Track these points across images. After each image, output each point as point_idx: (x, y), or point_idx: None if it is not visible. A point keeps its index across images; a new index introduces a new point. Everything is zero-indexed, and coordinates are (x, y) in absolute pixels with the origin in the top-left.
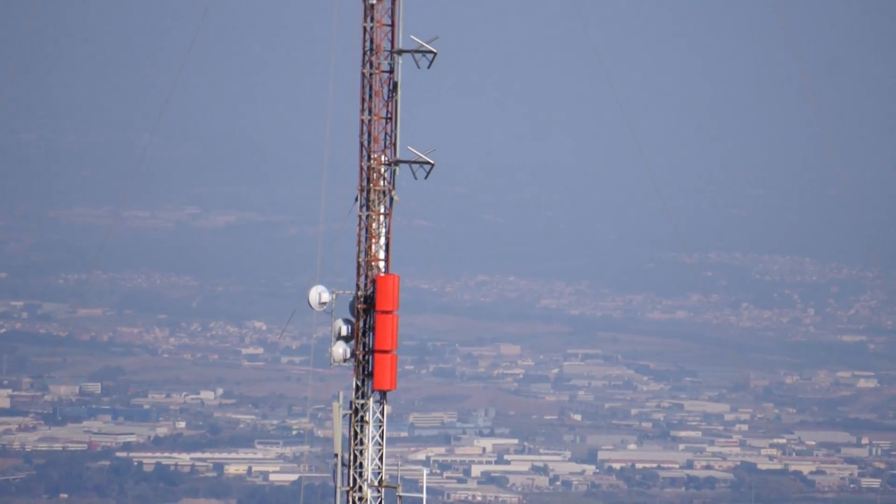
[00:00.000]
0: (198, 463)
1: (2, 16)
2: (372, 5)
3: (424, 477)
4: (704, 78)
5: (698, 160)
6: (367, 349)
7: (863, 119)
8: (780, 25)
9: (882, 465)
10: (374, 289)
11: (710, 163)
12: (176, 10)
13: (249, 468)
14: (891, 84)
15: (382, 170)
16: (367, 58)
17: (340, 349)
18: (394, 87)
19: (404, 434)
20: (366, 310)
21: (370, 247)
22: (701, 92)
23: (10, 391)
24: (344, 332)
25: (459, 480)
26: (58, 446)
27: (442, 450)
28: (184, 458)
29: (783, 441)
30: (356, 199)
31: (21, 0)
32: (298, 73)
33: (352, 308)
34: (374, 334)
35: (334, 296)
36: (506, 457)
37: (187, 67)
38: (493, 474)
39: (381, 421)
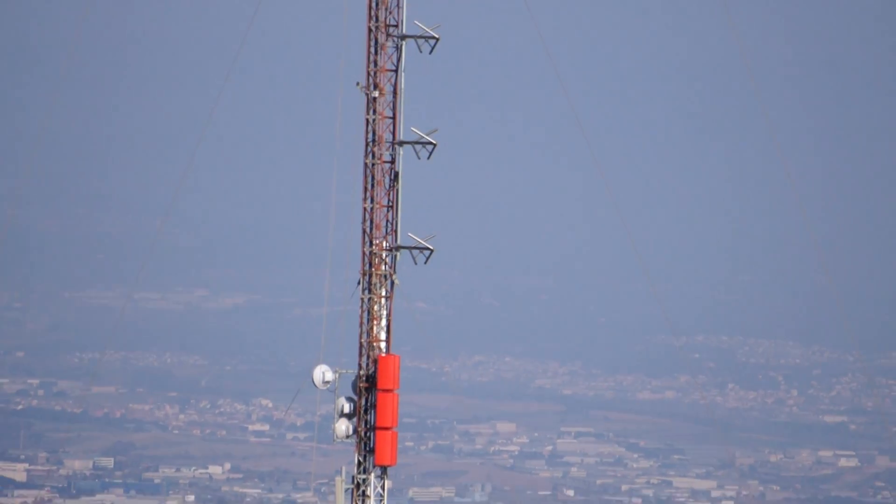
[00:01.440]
0: None
1: (16, 108)
2: (374, 98)
3: None
4: (697, 165)
5: (686, 245)
6: (368, 426)
7: (848, 209)
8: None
9: None
10: (376, 368)
11: (698, 248)
12: (183, 104)
13: None
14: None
15: (384, 255)
16: (369, 148)
17: (343, 426)
18: (395, 177)
19: None
20: (367, 388)
21: (372, 328)
22: (690, 182)
23: (26, 465)
24: (347, 409)
25: None
26: None
27: None
28: None
29: None
30: (359, 283)
31: (28, 91)
32: (303, 163)
33: (354, 386)
34: (375, 412)
35: (337, 375)
36: None
37: (196, 158)
38: None
39: (381, 495)
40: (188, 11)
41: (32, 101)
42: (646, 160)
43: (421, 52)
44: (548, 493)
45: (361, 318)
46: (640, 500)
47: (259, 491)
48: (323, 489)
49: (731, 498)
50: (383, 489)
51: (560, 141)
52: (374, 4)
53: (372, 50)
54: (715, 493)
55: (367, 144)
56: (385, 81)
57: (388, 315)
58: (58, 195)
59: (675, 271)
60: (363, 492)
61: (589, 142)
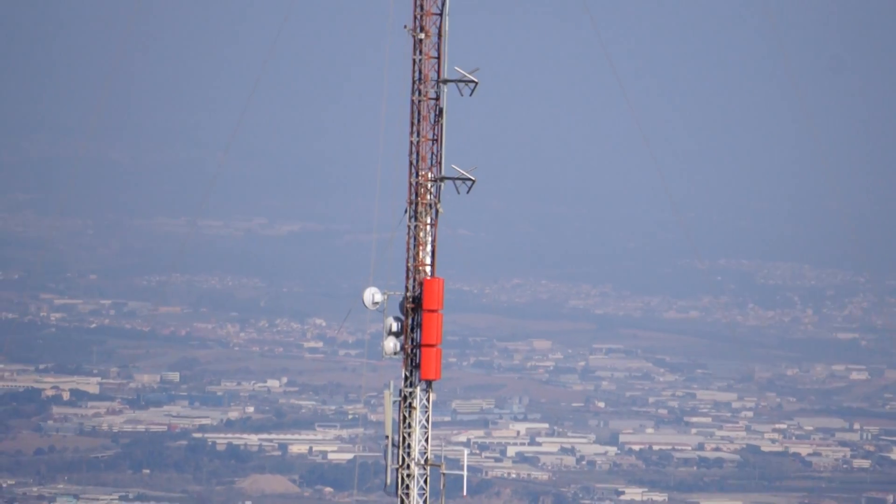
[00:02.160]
0: (264, 443)
1: (91, 48)
2: (420, 40)
3: (465, 456)
4: (719, 103)
5: (711, 177)
6: (414, 343)
7: (855, 138)
8: (777, 36)
9: (872, 448)
10: (422, 290)
11: (721, 180)
12: (243, 47)
13: (310, 448)
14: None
15: (429, 185)
16: (415, 86)
17: (391, 343)
18: (440, 113)
19: (447, 419)
20: (414, 309)
21: (418, 253)
22: (713, 119)
23: (99, 379)
24: (394, 328)
25: (496, 460)
26: (141, 428)
27: (481, 432)
28: (252, 439)
29: (784, 426)
30: (405, 211)
31: (104, 32)
32: (354, 101)
33: (401, 307)
34: (421, 330)
35: (386, 296)
36: (537, 439)
37: (255, 96)
38: (526, 454)
39: (426, 407)
40: None
41: (107, 39)
42: (673, 98)
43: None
44: (581, 405)
45: (408, 244)
46: (665, 412)
47: (313, 403)
48: (372, 401)
49: (750, 409)
50: (428, 402)
51: (595, 81)
52: None
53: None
54: (735, 405)
55: (413, 83)
56: (431, 24)
57: (433, 241)
58: (125, 129)
59: (698, 201)
60: (409, 404)
61: (620, 81)
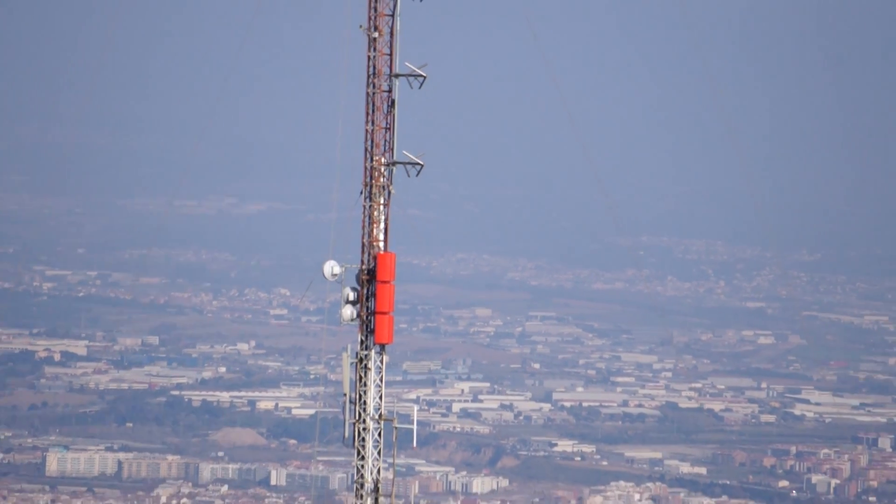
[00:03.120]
0: (235, 400)
1: (78, 41)
2: (374, 39)
3: (415, 412)
4: (644, 91)
5: (636, 162)
6: (369, 311)
7: (765, 127)
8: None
9: (777, 405)
10: (375, 264)
11: (644, 165)
12: (213, 40)
13: (276, 404)
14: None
15: (383, 169)
16: (370, 80)
17: (348, 311)
18: (392, 104)
19: (399, 378)
20: (368, 280)
21: (372, 230)
22: (639, 105)
23: (86, 342)
24: (351, 297)
25: (443, 415)
26: (124, 386)
27: (429, 391)
28: (224, 396)
29: (699, 385)
30: (361, 193)
31: (94, 29)
32: (316, 92)
33: (357, 278)
34: (375, 299)
35: (343, 269)
36: (479, 397)
37: (227, 85)
38: (469, 410)
39: (380, 368)
40: None
41: (90, 39)
42: (602, 86)
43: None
44: (518, 366)
45: (364, 222)
46: (594, 372)
47: (279, 364)
48: (332, 363)
49: (669, 370)
50: (382, 363)
51: (532, 72)
52: None
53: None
54: (656, 366)
55: (368, 77)
56: (384, 24)
57: (386, 220)
58: (109, 117)
59: (624, 183)
60: (365, 365)
61: (554, 74)
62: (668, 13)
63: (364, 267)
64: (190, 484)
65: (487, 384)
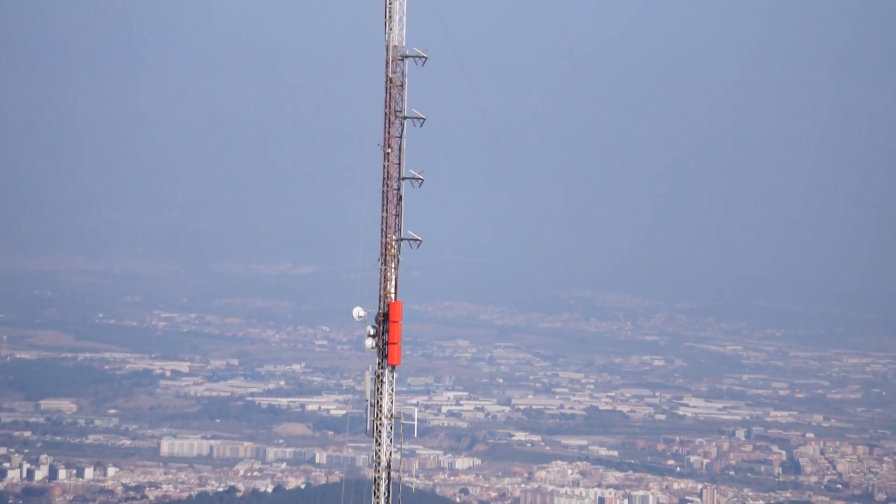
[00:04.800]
0: (291, 403)
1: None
2: (388, 153)
3: (415, 412)
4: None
5: (568, 238)
6: (384, 342)
7: (653, 204)
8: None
9: (666, 408)
10: (389, 309)
11: (574, 240)
12: (269, 144)
13: (319, 406)
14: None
15: (393, 244)
16: (385, 181)
17: (370, 342)
18: (399, 199)
19: (404, 389)
20: (383, 320)
21: (386, 286)
22: (580, 193)
23: (188, 363)
24: (371, 332)
25: (435, 414)
26: (214, 394)
27: (425, 397)
28: (283, 401)
29: (613, 394)
30: (378, 259)
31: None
32: (347, 191)
33: (376, 319)
34: (388, 334)
35: (366, 312)
36: (460, 402)
37: (288, 181)
38: (453, 411)
39: (391, 381)
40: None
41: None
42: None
43: (416, 127)
44: (487, 380)
45: (380, 280)
46: (540, 385)
47: (321, 378)
48: (358, 378)
49: (592, 383)
50: (392, 378)
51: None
52: (388, 98)
53: (387, 124)
54: (583, 381)
55: (383, 179)
56: (394, 143)
57: (396, 278)
58: (204, 204)
59: (560, 252)
60: (381, 379)
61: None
62: (516, 82)
63: (380, 311)
64: (259, 462)
65: (466, 393)
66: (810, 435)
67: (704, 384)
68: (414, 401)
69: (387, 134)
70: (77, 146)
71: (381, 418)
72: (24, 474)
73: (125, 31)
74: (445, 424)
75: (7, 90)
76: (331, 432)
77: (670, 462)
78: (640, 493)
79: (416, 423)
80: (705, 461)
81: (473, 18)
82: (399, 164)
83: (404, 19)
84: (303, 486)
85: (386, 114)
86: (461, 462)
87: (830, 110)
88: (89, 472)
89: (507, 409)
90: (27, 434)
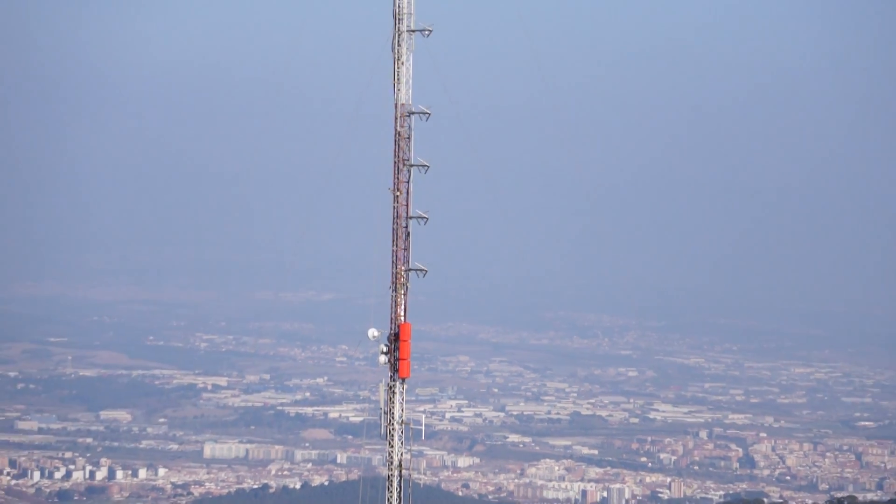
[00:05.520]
0: (315, 412)
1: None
2: (397, 196)
3: (423, 419)
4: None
5: (555, 266)
6: (395, 358)
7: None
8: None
9: (639, 412)
10: (399, 330)
11: (559, 268)
12: (293, 187)
13: (340, 414)
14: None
15: (402, 273)
16: (395, 220)
17: (383, 358)
18: (408, 235)
19: (413, 398)
20: (395, 339)
21: (397, 310)
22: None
23: (227, 378)
24: (384, 349)
25: (440, 419)
26: (249, 404)
27: (431, 405)
28: (309, 410)
29: (593, 401)
30: (390, 287)
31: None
32: (363, 229)
33: (388, 338)
34: (399, 351)
35: (380, 333)
36: (462, 409)
37: (311, 221)
38: (455, 417)
39: (402, 392)
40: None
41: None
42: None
43: (421, 173)
44: (485, 390)
45: (392, 304)
46: (530, 393)
47: (341, 390)
48: (373, 389)
49: (576, 392)
50: (402, 389)
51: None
52: (397, 149)
53: (396, 171)
54: (567, 390)
55: (393, 219)
56: (403, 188)
57: (405, 303)
58: (236, 240)
59: (546, 278)
60: (393, 390)
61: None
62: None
63: (392, 332)
64: (288, 462)
65: (466, 401)
66: (763, 434)
67: (672, 392)
68: (421, 408)
69: (396, 180)
70: (130, 190)
71: (393, 424)
72: (87, 475)
73: (178, 84)
74: (449, 429)
75: (73, 135)
76: (350, 436)
77: (643, 459)
78: (618, 486)
79: (423, 427)
80: (673, 458)
81: (472, 77)
82: (407, 205)
83: (410, 81)
84: (326, 483)
85: (395, 162)
86: (462, 461)
87: (762, 141)
88: (143, 473)
89: (501, 414)
90: (89, 440)
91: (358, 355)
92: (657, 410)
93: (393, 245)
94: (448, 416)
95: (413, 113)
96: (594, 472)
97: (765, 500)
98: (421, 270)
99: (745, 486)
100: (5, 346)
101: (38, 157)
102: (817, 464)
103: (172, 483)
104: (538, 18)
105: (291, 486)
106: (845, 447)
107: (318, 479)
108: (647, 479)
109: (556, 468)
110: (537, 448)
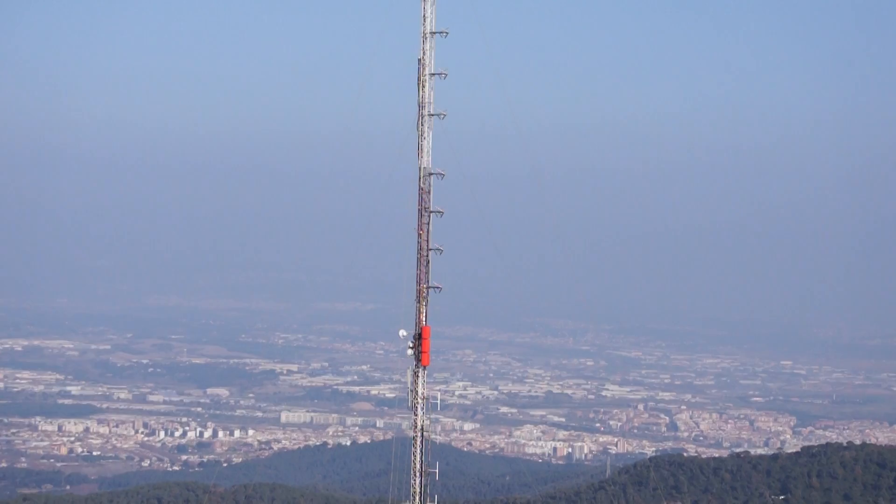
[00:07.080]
0: (361, 390)
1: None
2: (420, 234)
3: (439, 395)
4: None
5: (540, 281)
6: (419, 351)
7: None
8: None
9: (594, 391)
10: (422, 331)
11: (542, 284)
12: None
13: (379, 391)
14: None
15: (425, 289)
16: (419, 251)
17: (410, 351)
18: (427, 263)
19: (431, 380)
20: (419, 338)
21: (420, 316)
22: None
23: (297, 365)
24: (411, 345)
25: (451, 396)
26: (313, 384)
27: (444, 386)
28: (356, 389)
29: (562, 382)
30: (416, 299)
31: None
32: (392, 257)
33: (414, 337)
34: (421, 346)
35: (408, 333)
36: (466, 388)
37: (350, 242)
38: (462, 394)
39: (423, 376)
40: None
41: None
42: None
43: (438, 218)
44: (483, 374)
45: (416, 313)
46: (516, 377)
47: (379, 374)
48: (403, 373)
49: (548, 376)
50: (423, 373)
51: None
52: (420, 200)
53: (420, 216)
54: (543, 374)
55: (417, 251)
56: (425, 228)
57: (426, 311)
58: (282, 260)
59: (530, 288)
60: (416, 374)
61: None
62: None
63: (416, 332)
64: (341, 427)
65: (470, 382)
66: (683, 407)
67: (618, 376)
68: (437, 388)
69: (419, 222)
70: (234, 233)
71: (417, 399)
72: (197, 434)
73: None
74: (457, 402)
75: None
76: (386, 407)
77: (597, 424)
78: (579, 444)
79: (438, 401)
80: (619, 424)
81: (477, 147)
82: (427, 241)
83: (430, 150)
84: (369, 442)
85: (419, 209)
86: (467, 426)
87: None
88: (237, 433)
89: (495, 392)
90: (198, 409)
91: (391, 349)
92: (608, 390)
93: (417, 269)
94: (457, 393)
95: (432, 174)
96: (562, 434)
97: (684, 453)
98: (437, 288)
99: (670, 444)
100: (139, 341)
101: (155, 204)
102: (722, 428)
103: (259, 441)
104: (526, 112)
105: (343, 443)
106: (742, 416)
107: (363, 439)
108: (601, 440)
109: (535, 431)
110: (521, 417)
